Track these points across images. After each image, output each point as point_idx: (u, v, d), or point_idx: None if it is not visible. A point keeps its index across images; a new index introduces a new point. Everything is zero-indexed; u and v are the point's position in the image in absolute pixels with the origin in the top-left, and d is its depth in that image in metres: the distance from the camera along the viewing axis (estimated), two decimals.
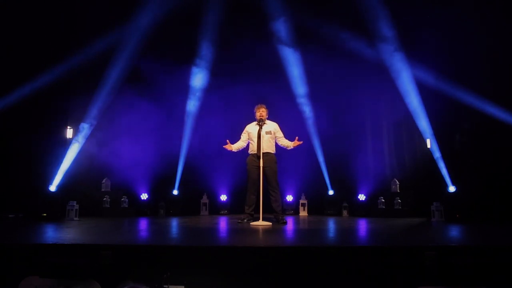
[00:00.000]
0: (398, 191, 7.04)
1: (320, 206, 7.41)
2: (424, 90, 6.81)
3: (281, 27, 7.05)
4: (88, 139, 6.96)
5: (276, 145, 5.75)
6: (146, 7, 6.76)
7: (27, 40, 6.63)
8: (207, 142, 7.43)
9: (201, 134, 7.51)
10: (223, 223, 5.76)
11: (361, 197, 7.22)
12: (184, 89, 7.41)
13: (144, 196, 7.27)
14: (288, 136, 5.82)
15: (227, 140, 5.71)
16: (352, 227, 5.24)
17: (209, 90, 7.46)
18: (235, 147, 5.76)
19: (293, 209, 7.47)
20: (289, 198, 7.50)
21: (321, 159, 7.37)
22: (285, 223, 5.46)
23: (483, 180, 6.28)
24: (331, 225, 5.51)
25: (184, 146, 7.36)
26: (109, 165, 7.11)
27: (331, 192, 7.38)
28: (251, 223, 5.31)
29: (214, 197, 7.53)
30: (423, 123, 6.84)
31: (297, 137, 5.62)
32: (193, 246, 3.44)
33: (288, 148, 5.74)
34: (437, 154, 6.71)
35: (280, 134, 5.75)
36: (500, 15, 6.42)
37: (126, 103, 7.21)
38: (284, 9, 6.94)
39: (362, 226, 5.39)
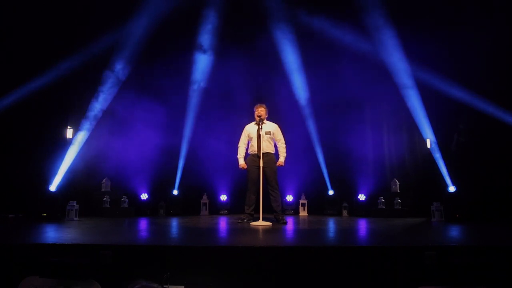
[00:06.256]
0: (398, 191, 7.04)
1: (320, 206, 7.41)
2: (424, 90, 6.81)
3: (279, 25, 7.07)
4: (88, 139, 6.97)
5: (276, 145, 5.73)
6: (146, 7, 6.76)
7: (27, 40, 6.62)
8: (207, 142, 7.43)
9: (201, 134, 7.50)
10: (223, 223, 5.76)
11: (361, 197, 7.22)
12: (184, 89, 7.42)
13: (144, 196, 7.27)
14: (289, 139, 5.83)
15: (241, 164, 5.62)
16: (352, 227, 5.23)
17: (209, 90, 7.47)
18: (241, 156, 5.67)
19: (293, 209, 7.46)
20: (289, 198, 7.50)
21: (321, 159, 7.37)
22: (285, 223, 5.45)
23: (483, 180, 6.28)
24: (331, 225, 5.51)
25: (184, 146, 7.38)
26: (109, 165, 7.11)
27: (331, 192, 7.38)
28: (251, 223, 5.30)
29: (214, 197, 7.52)
30: (423, 123, 6.84)
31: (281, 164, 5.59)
32: (193, 246, 3.43)
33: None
34: (437, 154, 6.71)
35: (279, 136, 5.66)
36: (500, 15, 6.43)
37: (126, 103, 7.21)
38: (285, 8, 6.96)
39: (362, 226, 5.38)
